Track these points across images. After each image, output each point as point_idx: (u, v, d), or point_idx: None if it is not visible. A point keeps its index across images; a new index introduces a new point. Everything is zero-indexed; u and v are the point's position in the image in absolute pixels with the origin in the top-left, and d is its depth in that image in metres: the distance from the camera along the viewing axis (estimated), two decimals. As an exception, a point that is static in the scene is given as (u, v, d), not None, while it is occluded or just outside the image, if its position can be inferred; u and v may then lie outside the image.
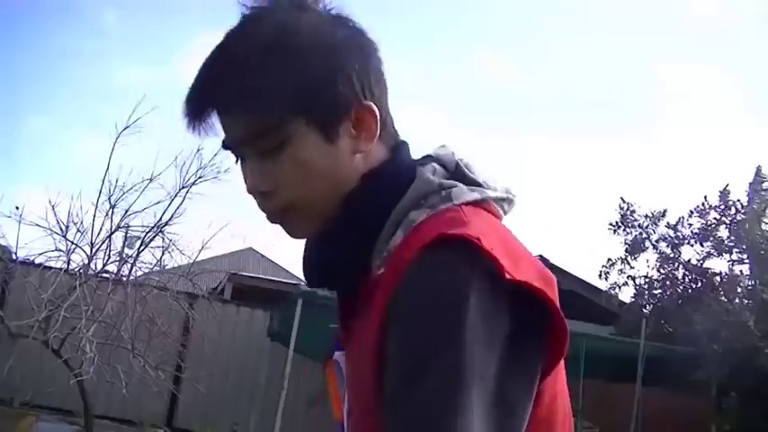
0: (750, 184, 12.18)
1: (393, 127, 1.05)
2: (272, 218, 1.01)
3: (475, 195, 0.98)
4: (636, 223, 12.69)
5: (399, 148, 1.04)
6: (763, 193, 12.04)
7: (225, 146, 1.02)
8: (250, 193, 1.01)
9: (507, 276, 0.83)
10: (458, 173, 1.01)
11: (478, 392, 0.79)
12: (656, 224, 12.68)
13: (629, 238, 12.71)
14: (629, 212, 12.75)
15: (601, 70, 24.30)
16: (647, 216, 12.69)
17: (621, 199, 12.85)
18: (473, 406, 0.78)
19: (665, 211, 12.65)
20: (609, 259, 12.80)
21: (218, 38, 1.00)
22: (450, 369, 0.79)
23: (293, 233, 1.03)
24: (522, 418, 0.84)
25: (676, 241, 12.52)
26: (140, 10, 24.05)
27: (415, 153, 1.07)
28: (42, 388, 9.33)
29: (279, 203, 0.99)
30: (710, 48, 22.84)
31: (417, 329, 0.83)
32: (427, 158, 1.03)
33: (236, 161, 1.03)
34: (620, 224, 12.75)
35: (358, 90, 0.98)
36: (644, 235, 12.67)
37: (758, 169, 12.17)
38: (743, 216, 11.88)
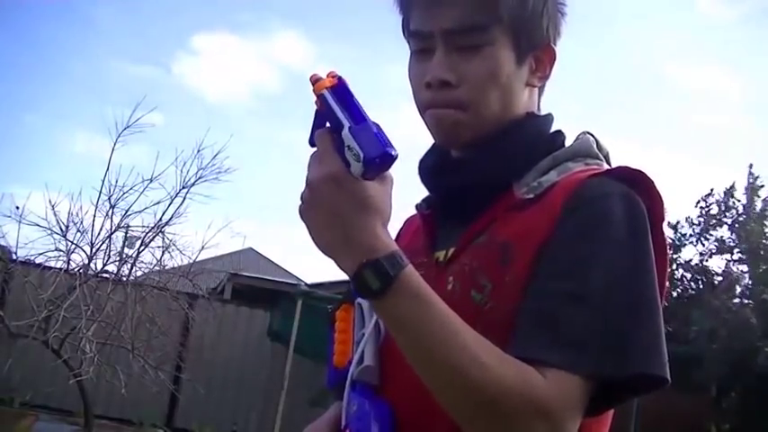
0: (747, 183, 12.18)
1: None
2: (439, 110, 1.05)
3: None
4: None
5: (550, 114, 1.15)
6: (759, 191, 12.02)
7: (419, 34, 1.06)
8: (428, 83, 1.04)
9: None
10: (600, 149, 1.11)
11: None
12: None
13: None
14: None
15: (603, 69, 24.31)
16: None
17: None
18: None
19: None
20: None
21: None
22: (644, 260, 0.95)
23: (448, 134, 1.07)
24: None
25: (677, 243, 12.52)
26: (141, 9, 24.05)
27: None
28: (42, 388, 9.33)
29: (454, 98, 1.03)
30: (714, 46, 22.85)
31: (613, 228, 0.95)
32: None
33: (415, 53, 1.08)
34: None
35: (552, 30, 1.08)
36: None
37: (750, 167, 12.17)
38: (743, 215, 11.89)
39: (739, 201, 12.13)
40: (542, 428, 0.85)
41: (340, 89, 0.93)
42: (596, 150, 1.08)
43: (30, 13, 18.37)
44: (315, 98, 0.94)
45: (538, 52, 1.07)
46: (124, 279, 8.41)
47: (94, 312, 7.87)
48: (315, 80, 0.94)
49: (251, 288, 12.41)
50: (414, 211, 1.22)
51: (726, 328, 9.56)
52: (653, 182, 1.00)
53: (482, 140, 1.05)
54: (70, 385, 7.96)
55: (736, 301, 11.24)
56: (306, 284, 10.38)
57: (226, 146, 8.77)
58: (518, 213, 1.00)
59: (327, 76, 0.93)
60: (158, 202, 8.60)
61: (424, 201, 1.17)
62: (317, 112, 0.95)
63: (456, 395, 0.87)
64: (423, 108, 1.07)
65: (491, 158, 1.06)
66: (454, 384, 0.86)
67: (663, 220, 1.00)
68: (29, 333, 7.72)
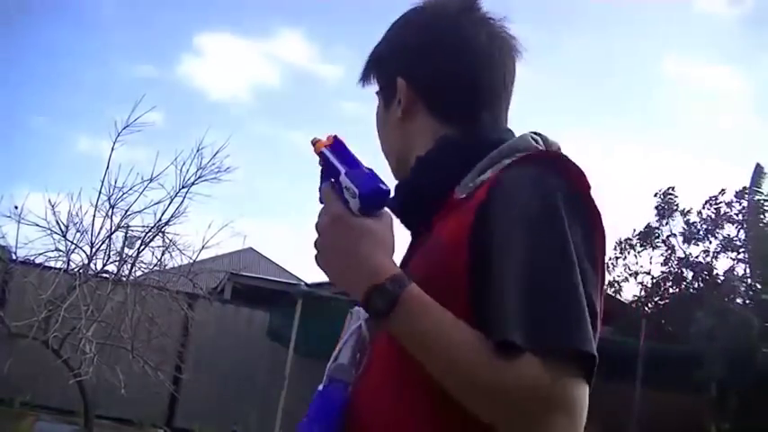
0: (750, 182, 12.15)
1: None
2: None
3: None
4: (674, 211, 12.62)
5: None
6: (761, 190, 12.00)
7: None
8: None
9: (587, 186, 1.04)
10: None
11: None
12: (671, 217, 12.65)
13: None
14: (668, 201, 12.68)
15: (606, 67, 24.30)
16: (658, 208, 12.67)
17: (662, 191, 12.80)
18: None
19: (676, 206, 12.66)
20: (619, 243, 12.71)
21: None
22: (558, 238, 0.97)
23: (397, 177, 1.26)
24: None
25: (689, 236, 12.50)
26: (142, 8, 24.04)
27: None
28: (42, 388, 9.33)
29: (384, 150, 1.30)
30: (718, 44, 22.84)
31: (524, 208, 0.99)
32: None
33: None
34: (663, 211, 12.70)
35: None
36: (657, 227, 12.66)
37: (757, 166, 12.13)
38: (745, 215, 11.89)
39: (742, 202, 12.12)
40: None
41: (336, 145, 1.08)
42: (534, 145, 1.13)
43: (30, 13, 18.37)
44: (318, 158, 1.09)
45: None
46: (124, 279, 8.41)
47: (94, 312, 7.87)
48: (314, 142, 1.09)
49: (251, 288, 12.41)
50: None
51: (726, 327, 9.56)
52: (566, 159, 1.06)
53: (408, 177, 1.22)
54: (70, 385, 7.96)
55: (738, 301, 11.25)
56: (306, 284, 10.37)
57: (225, 145, 8.75)
58: (453, 213, 1.07)
59: (327, 138, 1.09)
60: (158, 202, 8.60)
61: None
62: (321, 171, 1.09)
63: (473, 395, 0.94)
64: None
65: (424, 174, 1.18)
66: (469, 387, 0.94)
67: (584, 192, 1.04)
68: (29, 333, 7.72)
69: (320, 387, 1.08)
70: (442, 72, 1.19)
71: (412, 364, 0.97)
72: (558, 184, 1.01)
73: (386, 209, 1.06)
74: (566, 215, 0.98)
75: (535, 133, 1.16)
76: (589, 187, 1.04)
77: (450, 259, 1.02)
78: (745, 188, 12.15)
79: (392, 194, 1.10)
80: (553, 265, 0.95)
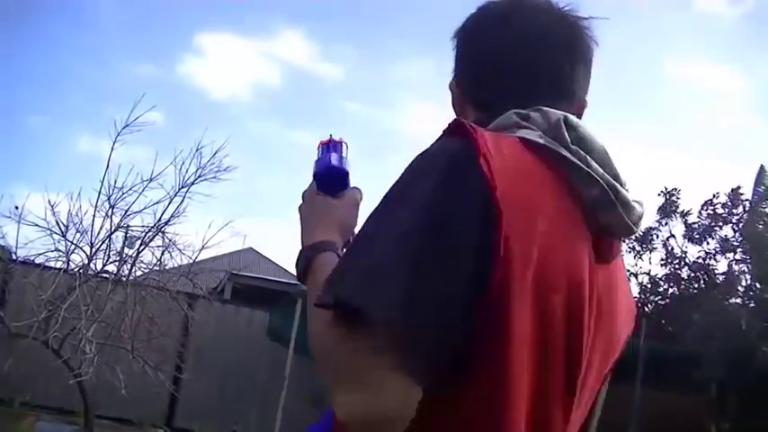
0: (754, 183, 12.14)
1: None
2: None
3: (517, 129, 1.04)
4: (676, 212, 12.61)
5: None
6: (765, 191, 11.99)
7: None
8: None
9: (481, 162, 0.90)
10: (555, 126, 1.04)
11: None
12: (669, 218, 12.65)
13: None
14: (671, 201, 12.68)
15: (605, 67, 24.27)
16: (660, 209, 12.67)
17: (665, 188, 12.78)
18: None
19: (676, 206, 12.66)
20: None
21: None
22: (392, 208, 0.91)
23: None
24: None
25: (688, 236, 12.51)
26: (143, 8, 24.03)
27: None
28: (42, 388, 9.33)
29: None
30: (719, 43, 22.83)
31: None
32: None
33: None
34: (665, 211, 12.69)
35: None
36: (655, 228, 12.66)
37: (761, 168, 12.12)
38: (746, 215, 11.88)
39: (747, 200, 12.11)
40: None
41: (330, 142, 1.26)
42: (515, 121, 1.04)
43: (30, 11, 18.36)
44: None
45: None
46: (124, 279, 8.41)
47: (94, 312, 7.87)
48: (318, 141, 1.27)
49: (251, 288, 12.41)
50: None
51: (726, 327, 9.55)
52: (460, 125, 0.95)
53: None
54: (70, 385, 7.96)
55: (737, 300, 11.24)
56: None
57: (225, 144, 8.75)
58: None
59: (329, 138, 1.26)
60: (158, 202, 8.60)
61: None
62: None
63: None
64: None
65: None
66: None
67: (471, 159, 0.90)
68: (29, 333, 7.72)
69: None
70: (464, 56, 1.19)
71: None
72: (441, 153, 0.92)
73: (353, 190, 1.23)
74: (420, 179, 0.90)
75: (535, 110, 1.06)
76: (471, 154, 0.90)
77: None
78: (739, 187, 12.17)
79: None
80: (365, 232, 0.93)
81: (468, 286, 0.85)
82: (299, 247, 1.15)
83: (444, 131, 0.96)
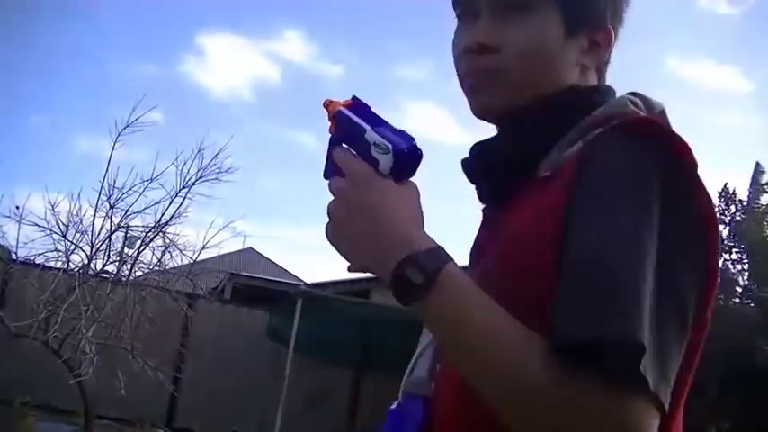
0: (750, 181, 12.14)
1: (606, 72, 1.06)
2: (476, 78, 0.99)
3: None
4: None
5: (607, 86, 1.05)
6: (763, 189, 11.98)
7: None
8: (467, 47, 0.98)
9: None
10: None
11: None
12: None
13: None
14: None
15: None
16: None
17: None
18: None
19: None
20: None
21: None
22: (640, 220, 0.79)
23: (482, 104, 1.01)
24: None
25: None
26: (144, 8, 24.04)
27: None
28: (42, 388, 9.32)
29: (493, 64, 0.97)
30: (719, 43, 22.85)
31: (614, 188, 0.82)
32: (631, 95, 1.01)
33: (458, 19, 1.03)
34: None
35: (610, 12, 1.01)
36: None
37: (757, 165, 12.12)
38: (743, 214, 11.87)
39: (740, 199, 12.11)
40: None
41: (355, 105, 0.92)
42: (633, 109, 0.95)
43: (31, 11, 18.36)
44: (329, 124, 0.93)
45: (592, 32, 1.00)
46: (124, 279, 8.41)
47: (94, 313, 7.87)
48: (327, 104, 0.92)
49: (251, 288, 12.43)
50: None
51: (725, 327, 9.56)
52: (668, 130, 0.87)
53: (516, 114, 0.97)
54: (70, 385, 7.96)
55: (736, 300, 11.25)
56: (306, 284, 10.38)
57: (227, 145, 8.76)
58: (536, 192, 0.90)
59: (344, 101, 0.93)
60: (158, 202, 8.60)
61: None
62: (331, 138, 0.93)
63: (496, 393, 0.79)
64: (461, 77, 1.01)
65: (514, 136, 0.98)
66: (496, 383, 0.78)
67: (689, 173, 0.83)
68: (29, 333, 7.72)
69: (394, 405, 0.97)
70: None
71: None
72: (656, 162, 0.81)
73: (413, 179, 0.89)
74: (659, 198, 0.79)
75: (634, 94, 0.99)
76: (696, 166, 0.84)
77: (527, 257, 0.85)
78: (726, 185, 12.17)
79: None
80: (618, 254, 0.77)
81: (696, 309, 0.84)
82: (399, 248, 0.82)
83: (637, 129, 0.86)
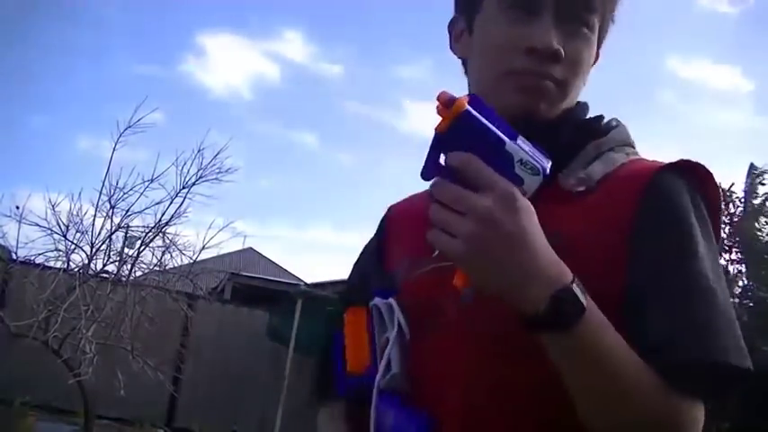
0: (745, 181, 12.14)
1: None
2: (541, 83, 0.99)
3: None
4: None
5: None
6: (757, 189, 11.99)
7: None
8: (533, 48, 0.97)
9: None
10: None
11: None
12: None
13: None
14: None
15: (605, 67, 24.30)
16: None
17: None
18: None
19: None
20: None
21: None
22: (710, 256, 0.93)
23: (537, 110, 1.00)
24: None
25: None
26: (145, 8, 24.04)
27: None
28: (42, 388, 9.33)
29: (562, 74, 0.99)
30: (719, 43, 22.85)
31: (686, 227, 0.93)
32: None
33: (507, 10, 1.00)
34: None
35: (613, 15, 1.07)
36: None
37: (751, 166, 12.13)
38: (740, 214, 11.87)
39: (739, 200, 12.11)
40: None
41: (476, 105, 0.81)
42: (632, 139, 1.05)
43: (31, 11, 18.37)
44: (440, 120, 0.81)
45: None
46: (124, 279, 8.41)
47: (94, 312, 7.87)
48: (447, 98, 0.80)
49: (251, 288, 12.42)
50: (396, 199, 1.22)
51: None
52: (711, 174, 0.98)
53: (554, 123, 1.00)
54: (70, 385, 7.96)
55: (735, 300, 11.26)
56: (305, 284, 10.39)
57: (226, 145, 8.77)
58: (568, 205, 0.94)
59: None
60: (159, 203, 8.61)
61: None
62: (437, 136, 0.81)
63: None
64: (509, 71, 0.98)
65: (548, 146, 0.94)
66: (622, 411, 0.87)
67: (720, 210, 0.99)
68: (29, 333, 7.73)
69: (378, 406, 0.96)
70: None
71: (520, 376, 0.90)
72: (706, 201, 0.97)
73: None
74: (706, 235, 0.94)
75: (616, 120, 1.08)
76: (721, 209, 1.01)
77: (600, 271, 0.89)
78: (732, 186, 12.17)
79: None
80: (712, 284, 0.91)
81: None
82: (552, 279, 0.80)
83: (694, 169, 0.97)
